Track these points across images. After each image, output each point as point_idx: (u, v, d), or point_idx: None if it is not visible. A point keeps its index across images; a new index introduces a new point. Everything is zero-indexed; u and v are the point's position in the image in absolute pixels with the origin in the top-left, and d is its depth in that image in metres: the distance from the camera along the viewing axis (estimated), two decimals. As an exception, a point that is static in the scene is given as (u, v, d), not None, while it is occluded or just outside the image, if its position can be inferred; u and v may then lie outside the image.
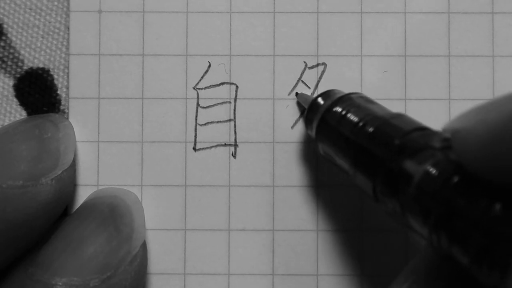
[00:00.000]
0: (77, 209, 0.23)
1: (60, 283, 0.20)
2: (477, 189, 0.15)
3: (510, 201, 0.15)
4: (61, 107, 0.25)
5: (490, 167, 0.15)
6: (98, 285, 0.20)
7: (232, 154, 0.24)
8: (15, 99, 0.25)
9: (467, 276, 0.15)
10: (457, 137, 0.16)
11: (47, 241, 0.21)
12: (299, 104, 0.24)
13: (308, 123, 0.23)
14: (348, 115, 0.21)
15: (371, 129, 0.19)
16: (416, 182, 0.17)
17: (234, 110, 0.24)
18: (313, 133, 0.22)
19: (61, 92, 0.25)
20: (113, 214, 0.22)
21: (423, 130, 0.19)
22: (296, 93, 0.24)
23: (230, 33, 0.25)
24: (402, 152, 0.18)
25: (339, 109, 0.21)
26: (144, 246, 0.22)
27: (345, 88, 0.24)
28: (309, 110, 0.23)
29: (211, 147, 0.24)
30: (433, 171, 0.16)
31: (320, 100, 0.22)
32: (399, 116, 0.20)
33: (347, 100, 0.21)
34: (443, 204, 0.16)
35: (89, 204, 0.22)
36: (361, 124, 0.20)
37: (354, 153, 0.20)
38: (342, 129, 0.20)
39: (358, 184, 0.20)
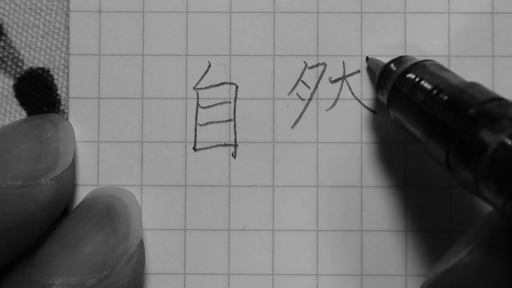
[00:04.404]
0: (74, 208, 0.23)
1: (57, 283, 0.20)
2: None
3: None
4: (61, 107, 0.25)
5: None
6: (95, 285, 0.20)
7: (232, 154, 0.24)
8: (15, 99, 0.25)
9: None
10: None
11: (44, 241, 0.21)
12: (369, 69, 0.24)
13: (380, 88, 0.22)
14: (422, 82, 0.20)
15: (445, 98, 0.19)
16: (491, 152, 0.17)
17: (234, 110, 0.24)
18: (384, 99, 0.22)
19: (61, 92, 0.25)
20: (109, 213, 0.22)
21: (499, 100, 0.18)
22: (367, 58, 0.24)
23: (230, 33, 0.25)
24: (478, 121, 0.18)
25: (412, 76, 0.21)
26: (141, 245, 0.22)
27: (346, 87, 0.24)
28: (381, 75, 0.22)
29: (211, 147, 0.24)
30: (508, 142, 0.16)
31: (392, 66, 0.22)
32: (474, 85, 0.19)
33: (420, 67, 0.21)
34: None
35: (86, 204, 0.22)
36: (435, 92, 0.20)
37: (427, 121, 0.20)
38: (415, 97, 0.20)
39: (430, 152, 0.20)
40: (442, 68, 0.21)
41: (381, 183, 0.24)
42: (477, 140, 0.17)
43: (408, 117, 0.21)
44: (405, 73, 0.21)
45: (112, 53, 0.25)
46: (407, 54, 0.24)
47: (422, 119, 0.20)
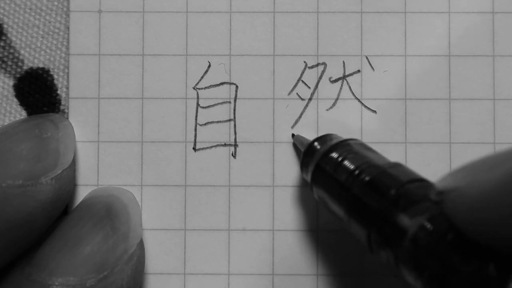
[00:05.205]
0: (74, 208, 0.23)
1: (57, 283, 0.20)
2: (472, 247, 0.15)
3: (503, 262, 0.14)
4: (61, 107, 0.25)
5: (480, 232, 0.15)
6: (95, 285, 0.20)
7: (232, 154, 0.24)
8: (15, 99, 0.25)
9: None
10: (448, 197, 0.16)
11: (44, 240, 0.21)
12: (295, 145, 0.24)
13: (303, 167, 0.22)
14: (345, 162, 0.20)
15: (367, 178, 0.19)
16: (410, 236, 0.16)
17: (234, 110, 0.24)
18: (308, 177, 0.22)
19: (61, 92, 0.25)
20: (109, 213, 0.22)
21: (420, 181, 0.18)
22: (293, 135, 0.24)
23: (230, 33, 0.25)
24: (398, 203, 0.17)
25: (335, 155, 0.21)
26: (141, 245, 0.22)
27: (347, 88, 0.24)
28: (305, 154, 0.22)
29: (211, 147, 0.24)
30: (428, 225, 0.16)
31: (316, 145, 0.22)
32: (397, 165, 0.19)
33: (344, 146, 0.21)
34: (438, 260, 0.15)
35: (86, 204, 0.22)
36: (357, 172, 0.19)
37: (349, 202, 0.19)
38: (338, 176, 0.20)
39: (352, 232, 0.19)
40: (366, 147, 0.21)
41: (381, 183, 0.24)
42: (397, 223, 0.17)
43: (330, 197, 0.20)
44: (329, 152, 0.21)
45: (112, 53, 0.25)
46: (408, 54, 0.24)
47: (344, 199, 0.20)
